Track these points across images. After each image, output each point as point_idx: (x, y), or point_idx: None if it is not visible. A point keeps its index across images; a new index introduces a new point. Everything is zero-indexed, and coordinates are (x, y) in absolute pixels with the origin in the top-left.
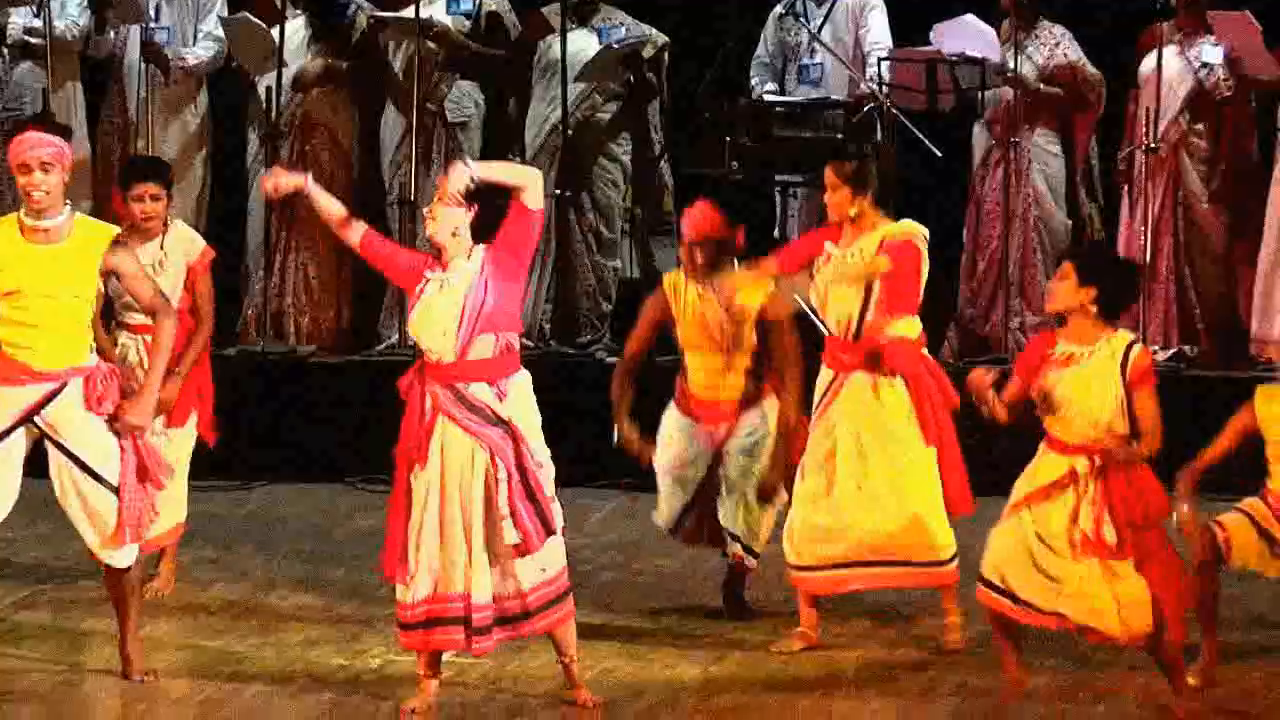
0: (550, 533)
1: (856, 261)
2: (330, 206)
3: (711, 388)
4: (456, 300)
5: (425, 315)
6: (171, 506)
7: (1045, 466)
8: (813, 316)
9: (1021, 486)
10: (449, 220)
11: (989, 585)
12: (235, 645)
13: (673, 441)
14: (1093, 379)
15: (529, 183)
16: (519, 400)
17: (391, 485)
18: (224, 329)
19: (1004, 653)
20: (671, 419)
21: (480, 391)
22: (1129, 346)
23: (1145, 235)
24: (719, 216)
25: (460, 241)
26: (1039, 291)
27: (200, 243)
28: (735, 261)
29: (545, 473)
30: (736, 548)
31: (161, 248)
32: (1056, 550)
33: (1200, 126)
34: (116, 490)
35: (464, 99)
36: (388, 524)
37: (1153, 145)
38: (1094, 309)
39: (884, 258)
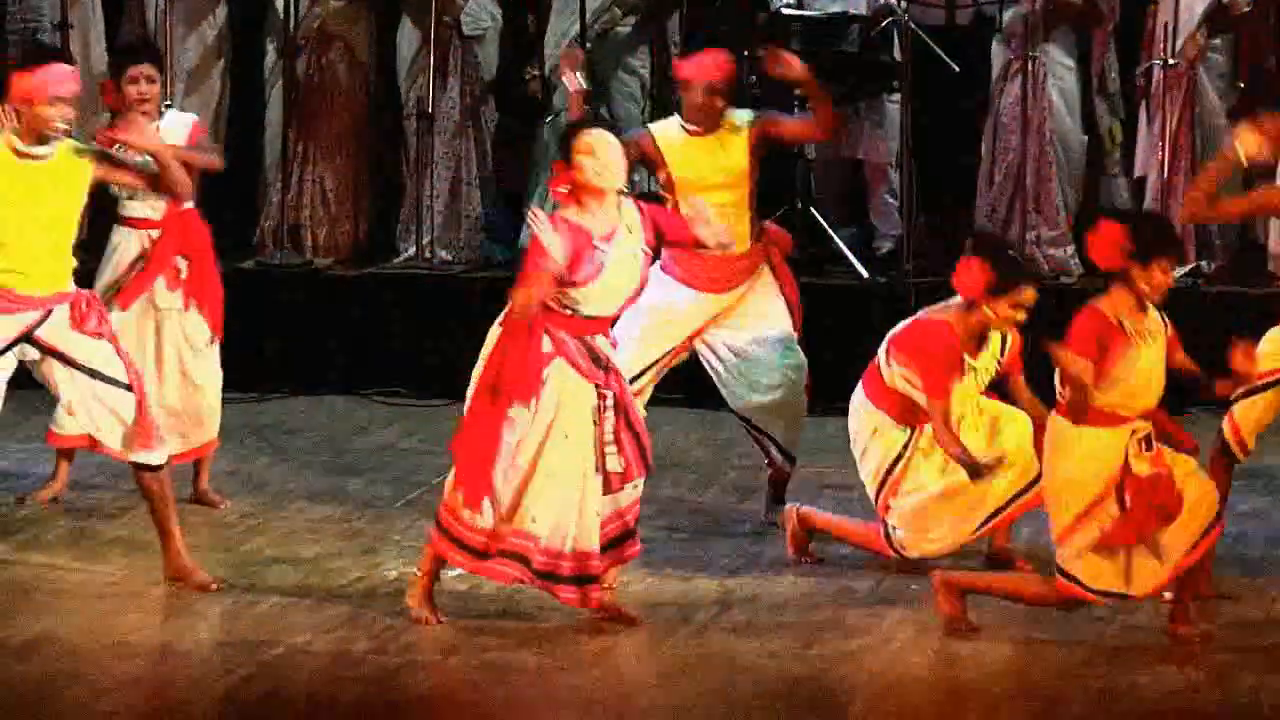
0: (649, 469)
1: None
2: None
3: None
4: (637, 271)
5: (614, 278)
6: (213, 417)
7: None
8: None
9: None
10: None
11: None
12: (250, 557)
13: (657, 304)
14: (1154, 351)
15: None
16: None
17: (470, 408)
18: (241, 241)
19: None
20: (661, 284)
21: (602, 343)
22: None
23: (1163, 150)
24: (727, 59)
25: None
26: (1054, 206)
27: (190, 118)
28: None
29: (639, 410)
30: (774, 450)
31: (158, 132)
32: None
33: (1218, 42)
34: (130, 388)
35: (480, 12)
36: (471, 450)
37: (1170, 60)
38: None
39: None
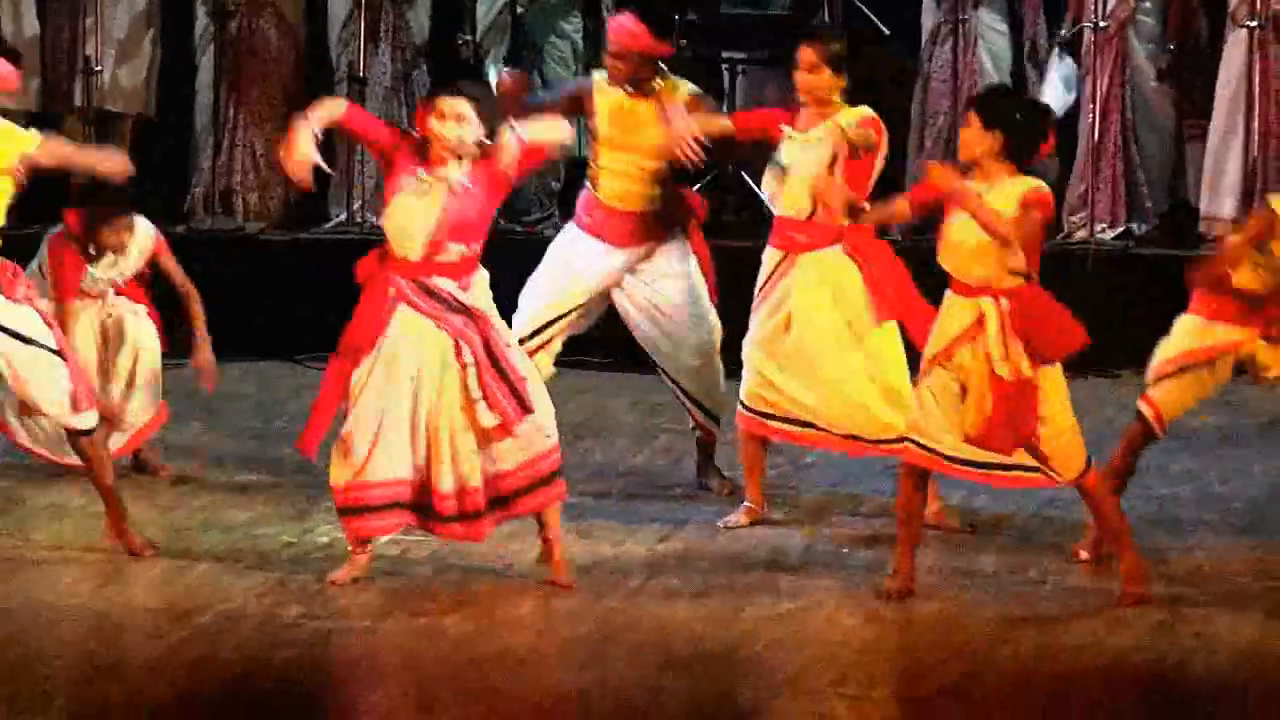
0: (527, 410)
1: (861, 132)
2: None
3: (624, 196)
4: (434, 210)
5: (402, 214)
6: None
7: (951, 314)
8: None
9: (934, 341)
10: (469, 131)
11: (915, 443)
12: (182, 523)
13: (566, 255)
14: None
15: (564, 140)
16: (480, 292)
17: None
18: (172, 207)
19: (907, 517)
20: (571, 236)
21: (443, 283)
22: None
23: (1094, 113)
24: (644, 29)
25: (461, 149)
26: None
27: (151, 229)
28: (661, 75)
29: (514, 353)
30: (701, 416)
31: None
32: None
33: (1148, 4)
34: (59, 353)
35: None
36: (317, 401)
37: (1101, 23)
38: (1001, 154)
39: (868, 131)
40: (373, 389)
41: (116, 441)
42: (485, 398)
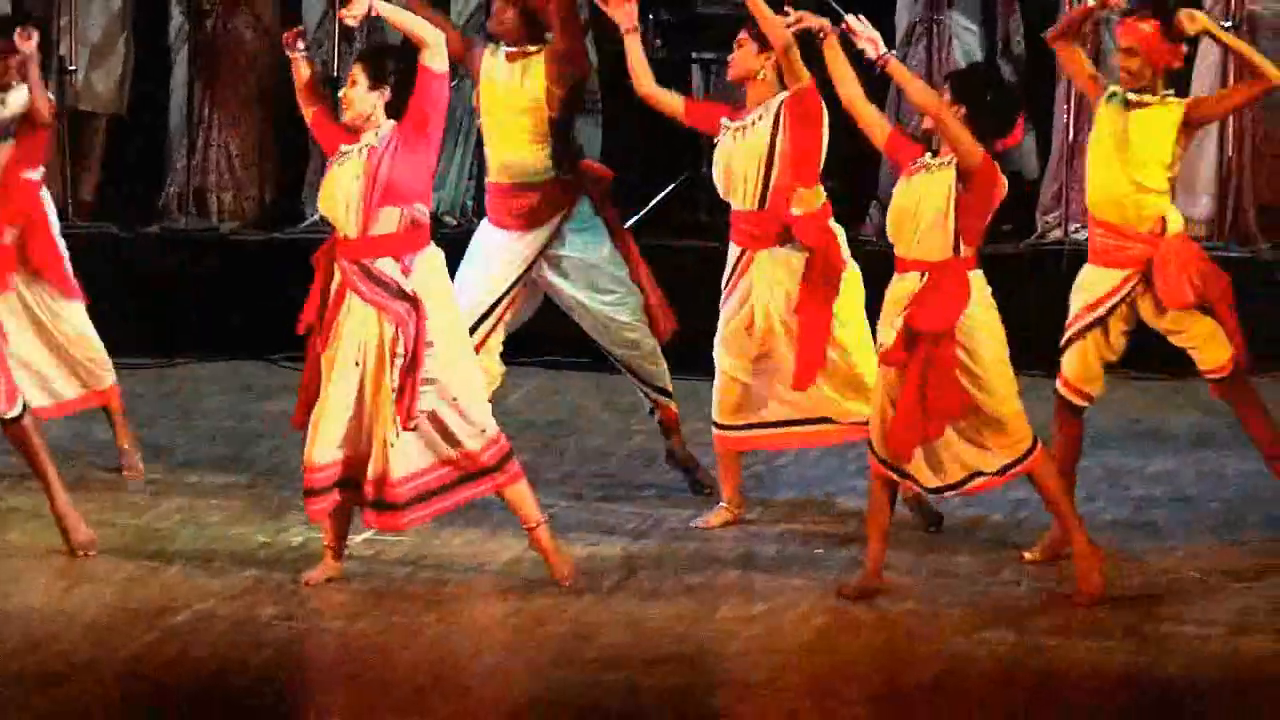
0: (409, 425)
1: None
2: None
3: (509, 167)
4: (358, 173)
5: (329, 188)
6: (103, 366)
7: (895, 290)
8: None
9: (883, 321)
10: (361, 105)
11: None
12: (157, 523)
13: (477, 251)
14: (925, 186)
15: (431, 41)
16: (427, 275)
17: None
18: (148, 206)
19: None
20: (482, 229)
21: (386, 266)
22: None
23: (1068, 112)
24: None
25: (372, 121)
26: None
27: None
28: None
29: (431, 351)
30: (654, 393)
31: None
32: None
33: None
34: None
35: None
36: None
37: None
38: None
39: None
40: (327, 377)
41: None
42: (395, 395)
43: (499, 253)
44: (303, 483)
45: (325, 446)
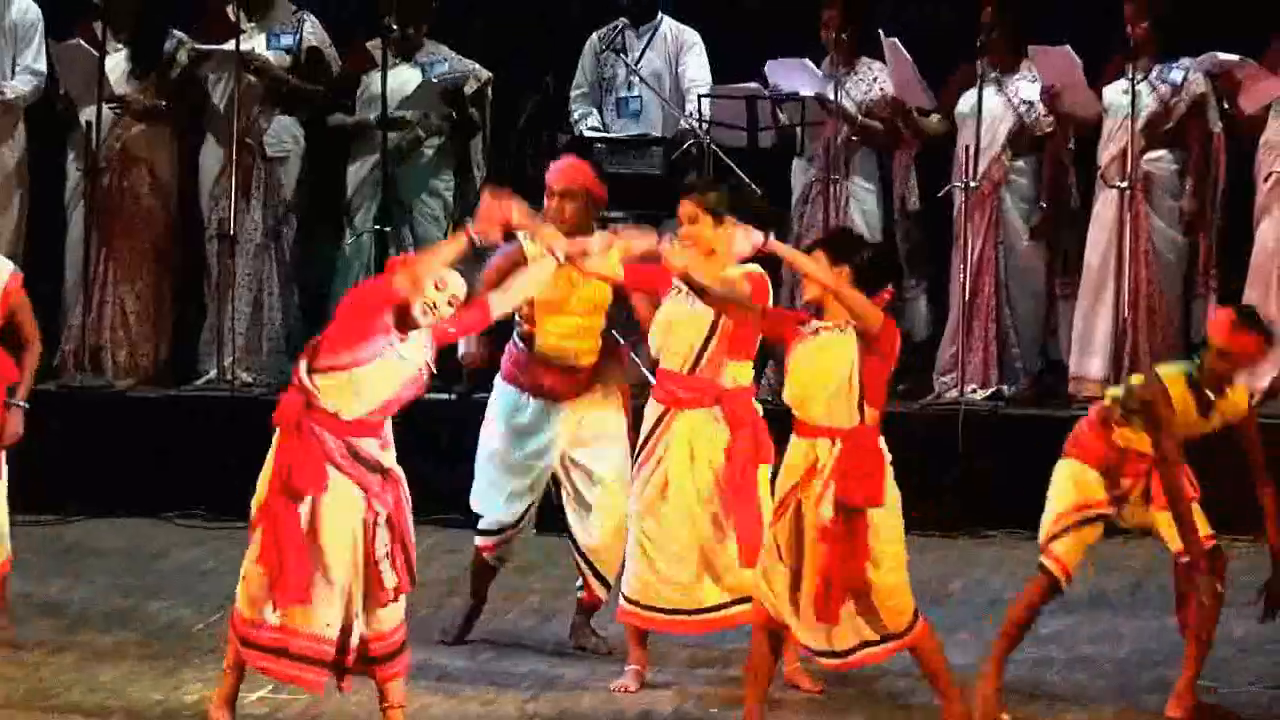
0: (414, 583)
1: (736, 283)
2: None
3: (565, 354)
4: (399, 382)
5: (372, 383)
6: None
7: (799, 455)
8: (637, 359)
9: (782, 482)
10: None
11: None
12: (51, 680)
13: (513, 423)
14: (828, 352)
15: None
16: (392, 448)
17: (256, 516)
18: (42, 364)
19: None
20: (509, 398)
21: (369, 445)
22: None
23: (965, 273)
24: (590, 169)
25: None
26: None
27: (7, 265)
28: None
29: (411, 520)
30: (598, 586)
31: None
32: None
33: (1021, 164)
34: None
35: (283, 133)
36: (283, 550)
37: (973, 183)
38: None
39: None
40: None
41: None
42: (391, 560)
43: (536, 424)
44: (270, 640)
45: (312, 618)
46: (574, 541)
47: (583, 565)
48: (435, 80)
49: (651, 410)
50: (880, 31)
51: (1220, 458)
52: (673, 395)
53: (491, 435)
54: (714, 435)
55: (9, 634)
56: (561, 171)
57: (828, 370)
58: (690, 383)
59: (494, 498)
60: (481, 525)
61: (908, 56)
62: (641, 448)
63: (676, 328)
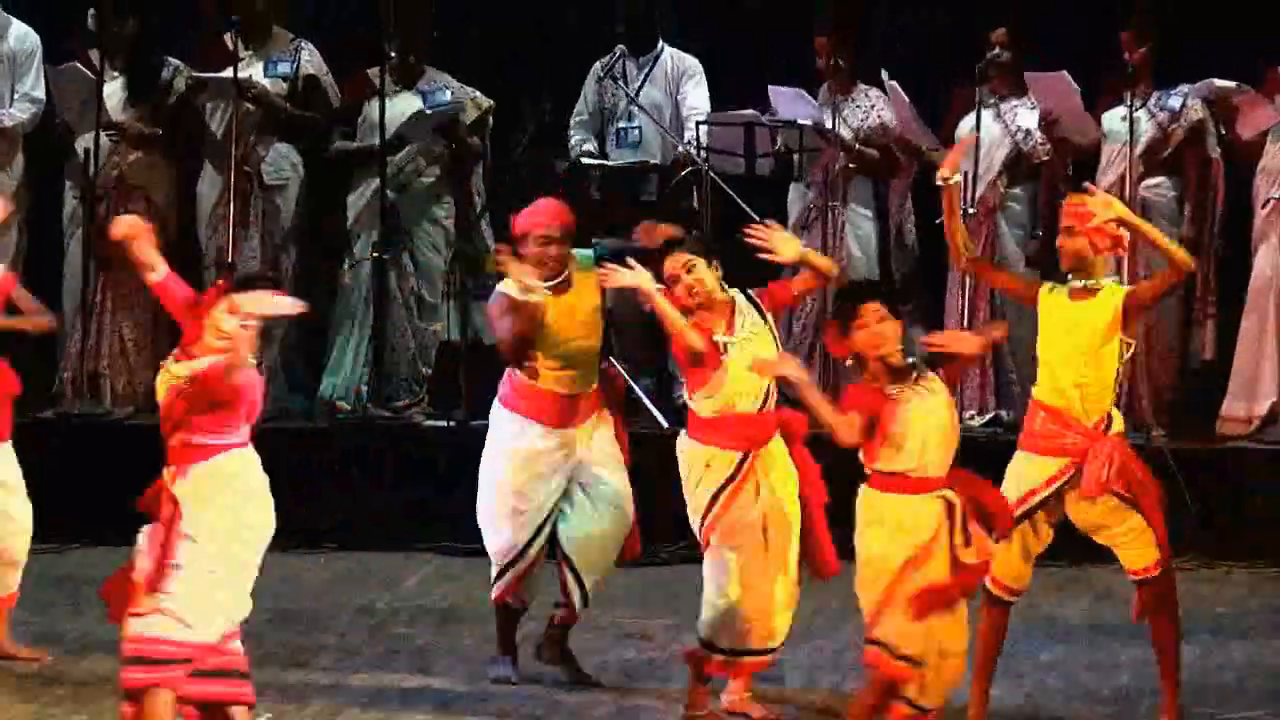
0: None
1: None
2: None
3: (568, 381)
4: None
5: None
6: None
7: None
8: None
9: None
10: None
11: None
12: (49, 710)
13: (516, 450)
14: (937, 406)
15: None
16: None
17: None
18: (40, 392)
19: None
20: (511, 426)
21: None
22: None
23: (961, 299)
24: (567, 208)
25: None
26: None
27: None
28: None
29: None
30: (577, 595)
31: None
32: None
33: (1018, 190)
34: None
35: (281, 161)
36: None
37: (970, 210)
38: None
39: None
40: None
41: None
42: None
43: (541, 449)
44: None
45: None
46: (557, 543)
47: (569, 578)
48: (429, 112)
49: (729, 457)
50: (884, 73)
51: (1217, 482)
52: (751, 438)
53: (495, 465)
54: (788, 466)
55: (44, 662)
56: (545, 214)
57: (944, 423)
58: (763, 421)
59: (504, 526)
60: (497, 565)
61: (905, 98)
62: (720, 492)
63: (749, 378)
